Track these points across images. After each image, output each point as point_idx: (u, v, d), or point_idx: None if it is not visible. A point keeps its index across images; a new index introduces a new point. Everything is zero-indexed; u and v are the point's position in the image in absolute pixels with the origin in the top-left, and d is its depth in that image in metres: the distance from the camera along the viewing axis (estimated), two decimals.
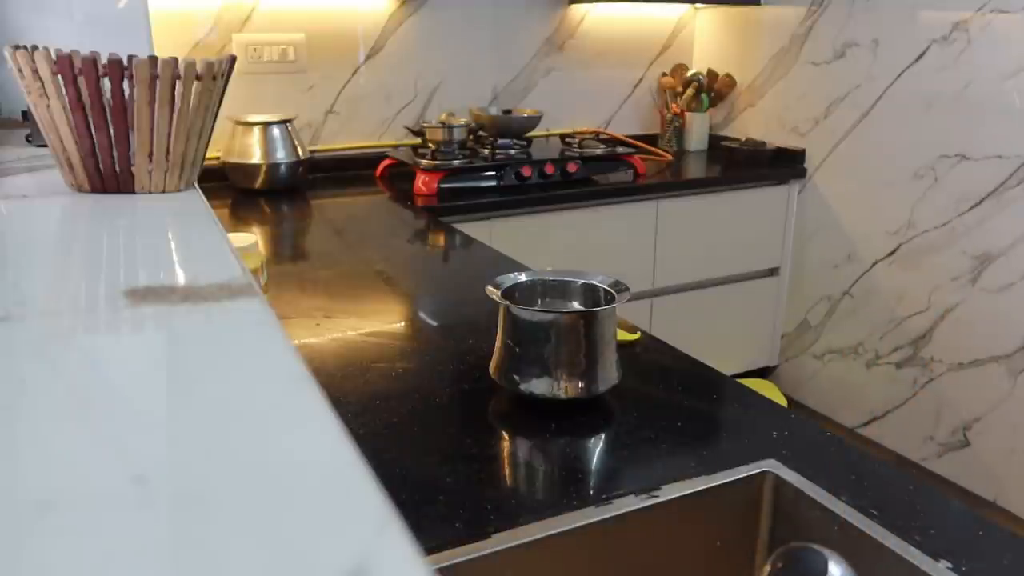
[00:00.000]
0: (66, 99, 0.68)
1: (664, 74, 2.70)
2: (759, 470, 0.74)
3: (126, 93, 0.69)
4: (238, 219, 1.77)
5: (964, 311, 2.08)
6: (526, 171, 2.08)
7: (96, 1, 1.54)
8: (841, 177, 2.34)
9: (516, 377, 0.83)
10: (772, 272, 2.51)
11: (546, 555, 0.65)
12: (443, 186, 2.01)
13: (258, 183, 2.00)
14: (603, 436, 0.80)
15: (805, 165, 2.43)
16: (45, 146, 0.95)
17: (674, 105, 2.65)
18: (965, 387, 2.10)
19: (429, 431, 0.80)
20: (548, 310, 0.87)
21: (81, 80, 0.68)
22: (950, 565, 0.61)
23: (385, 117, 2.34)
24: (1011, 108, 1.91)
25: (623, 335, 1.01)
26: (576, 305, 0.90)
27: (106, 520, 0.24)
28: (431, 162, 2.02)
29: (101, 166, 0.72)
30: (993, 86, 1.94)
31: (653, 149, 2.55)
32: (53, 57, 0.67)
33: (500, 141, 2.20)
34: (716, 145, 2.64)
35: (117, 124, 0.70)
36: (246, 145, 1.98)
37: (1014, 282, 1.96)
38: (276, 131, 1.99)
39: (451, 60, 2.37)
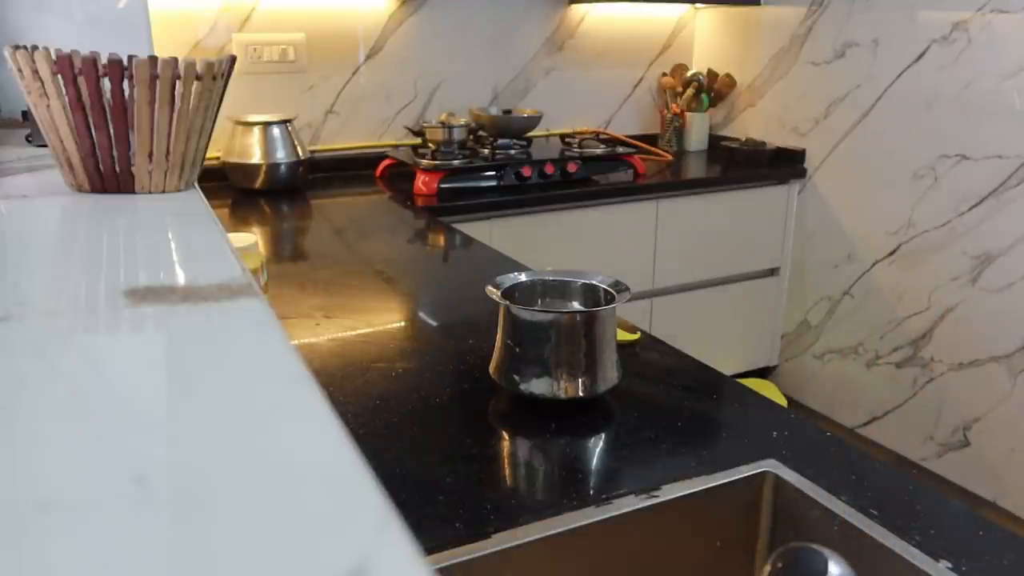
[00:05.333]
0: (66, 99, 0.68)
1: (664, 74, 2.70)
2: (759, 470, 0.74)
3: (126, 93, 0.69)
4: (238, 219, 1.77)
5: (964, 311, 2.08)
6: (526, 171, 2.08)
7: (96, 1, 1.54)
8: (841, 177, 2.34)
9: (516, 377, 0.83)
10: (772, 272, 2.51)
11: (546, 555, 0.65)
12: (443, 186, 2.01)
13: (258, 183, 2.00)
14: (603, 436, 0.80)
15: (805, 165, 2.43)
16: (45, 146, 0.95)
17: (674, 105, 2.65)
18: (965, 387, 2.10)
19: (429, 431, 0.80)
20: (548, 310, 0.87)
21: (81, 80, 0.68)
22: (950, 565, 0.61)
23: (385, 117, 2.34)
24: (1011, 108, 1.91)
25: (623, 335, 1.01)
26: (576, 305, 0.90)
27: (106, 520, 0.24)
28: (431, 162, 2.02)
29: (101, 166, 0.72)
30: (993, 86, 1.94)
31: (653, 149, 2.55)
32: (53, 57, 0.67)
33: (500, 141, 2.20)
34: (716, 145, 2.64)
35: (117, 124, 0.70)
36: (246, 145, 1.98)
37: (1014, 282, 1.96)
38: (276, 131, 1.99)
39: (451, 60, 2.37)
